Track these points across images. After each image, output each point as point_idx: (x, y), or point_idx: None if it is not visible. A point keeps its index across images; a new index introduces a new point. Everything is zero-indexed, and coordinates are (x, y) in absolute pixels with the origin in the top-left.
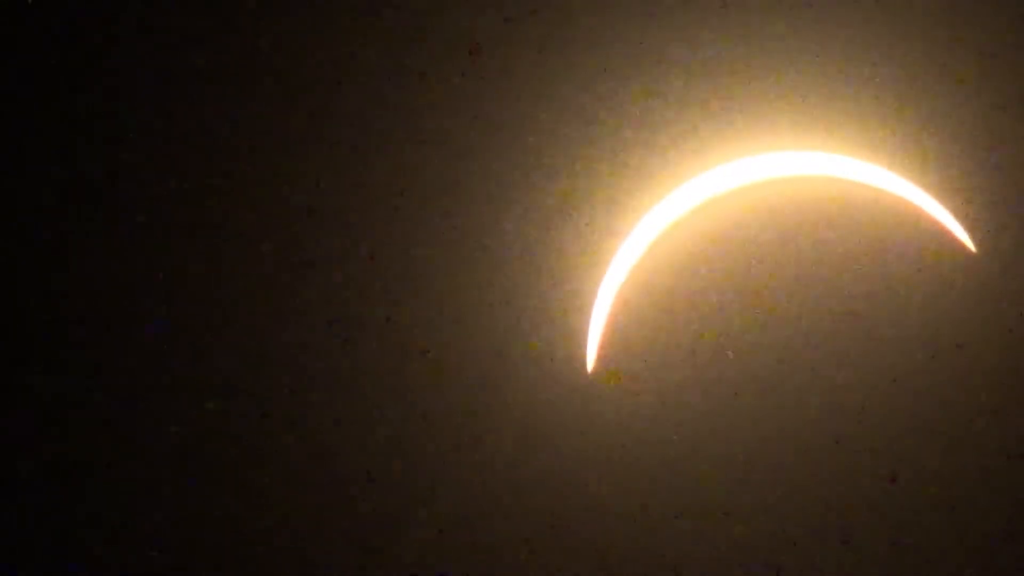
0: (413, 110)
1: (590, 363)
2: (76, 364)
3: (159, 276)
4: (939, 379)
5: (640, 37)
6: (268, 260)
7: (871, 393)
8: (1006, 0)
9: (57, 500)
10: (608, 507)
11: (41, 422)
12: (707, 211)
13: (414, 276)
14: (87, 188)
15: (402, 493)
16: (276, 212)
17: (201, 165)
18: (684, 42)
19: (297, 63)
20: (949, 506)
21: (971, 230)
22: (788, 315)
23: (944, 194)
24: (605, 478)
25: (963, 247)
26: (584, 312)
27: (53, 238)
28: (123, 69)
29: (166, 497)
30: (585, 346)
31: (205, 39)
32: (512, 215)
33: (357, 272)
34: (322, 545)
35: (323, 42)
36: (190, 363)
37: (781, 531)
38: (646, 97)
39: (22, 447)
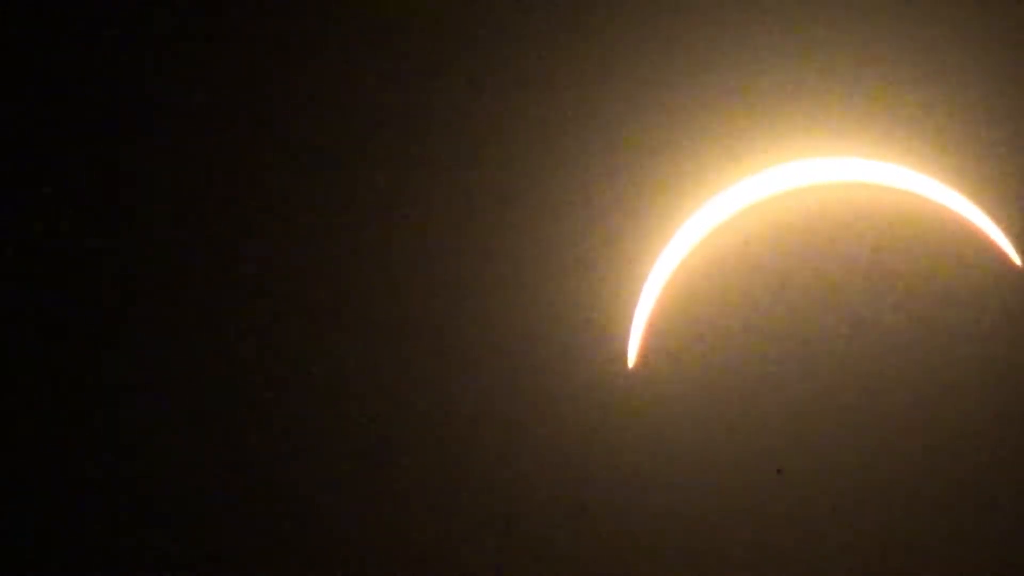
0: (459, 121)
1: (631, 359)
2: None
3: (176, 279)
4: (983, 392)
5: (677, 45)
6: (311, 258)
7: (913, 402)
8: None
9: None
10: (648, 500)
11: (48, 423)
12: (749, 216)
13: (458, 277)
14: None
15: (445, 489)
16: (323, 208)
17: (217, 169)
18: (726, 47)
19: (325, 65)
20: (990, 515)
21: (1020, 245)
22: (828, 322)
23: (994, 208)
24: (645, 471)
25: (1010, 262)
26: (626, 311)
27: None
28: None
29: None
30: (627, 343)
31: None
32: (557, 219)
33: (400, 273)
34: (362, 541)
35: (347, 46)
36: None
37: (816, 528)
38: (686, 104)
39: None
